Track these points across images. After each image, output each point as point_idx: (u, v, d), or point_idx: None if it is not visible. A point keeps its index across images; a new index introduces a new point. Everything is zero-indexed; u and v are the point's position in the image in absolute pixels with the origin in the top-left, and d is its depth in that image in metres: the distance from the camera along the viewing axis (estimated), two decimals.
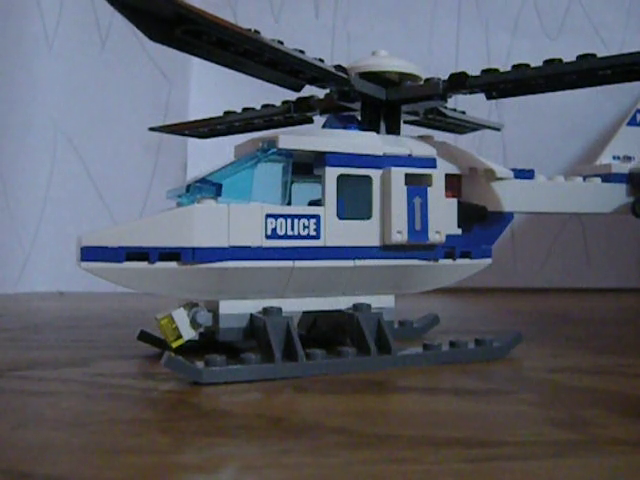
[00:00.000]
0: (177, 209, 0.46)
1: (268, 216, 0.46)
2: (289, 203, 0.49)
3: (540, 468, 0.28)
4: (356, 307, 0.49)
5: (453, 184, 0.53)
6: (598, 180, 0.63)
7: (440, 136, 0.59)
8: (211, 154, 0.73)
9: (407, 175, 0.49)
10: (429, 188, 0.50)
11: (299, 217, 0.47)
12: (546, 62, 0.47)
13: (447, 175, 0.52)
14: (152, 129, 0.71)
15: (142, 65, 1.12)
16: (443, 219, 0.51)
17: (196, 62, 1.04)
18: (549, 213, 0.62)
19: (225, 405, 0.38)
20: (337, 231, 0.48)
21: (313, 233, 0.47)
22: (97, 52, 1.14)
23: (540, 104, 1.09)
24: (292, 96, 0.58)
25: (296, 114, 0.60)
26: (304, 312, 0.52)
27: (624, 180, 0.64)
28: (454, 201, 0.53)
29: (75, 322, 0.74)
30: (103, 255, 0.43)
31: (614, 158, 0.67)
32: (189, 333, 0.47)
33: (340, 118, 0.54)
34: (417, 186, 0.50)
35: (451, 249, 0.53)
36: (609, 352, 0.55)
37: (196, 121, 0.67)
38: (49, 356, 0.52)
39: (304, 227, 0.47)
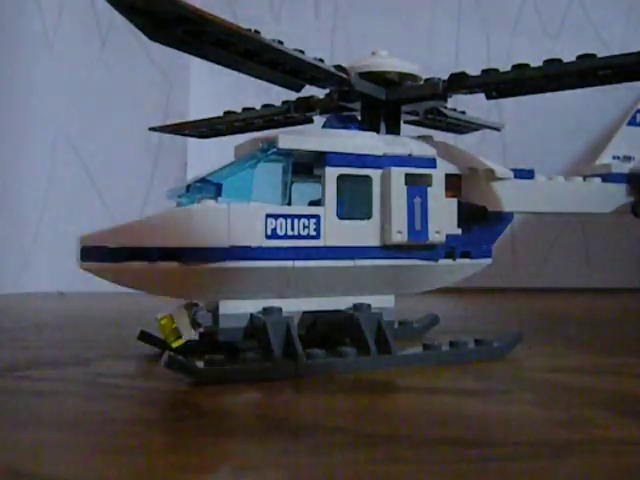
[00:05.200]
0: (177, 209, 0.46)
1: (268, 216, 0.46)
2: (289, 203, 0.49)
3: (540, 468, 0.28)
4: (356, 307, 0.49)
5: (453, 184, 0.53)
6: (598, 180, 0.63)
7: (440, 136, 0.59)
8: (211, 154, 0.73)
9: (407, 175, 0.49)
10: (429, 188, 0.50)
11: (299, 217, 0.47)
12: (546, 62, 0.47)
13: (447, 175, 0.52)
14: (152, 129, 0.71)
15: (142, 65, 1.12)
16: (443, 219, 0.51)
17: (196, 62, 1.04)
18: (549, 213, 0.62)
19: (225, 405, 0.38)
20: (337, 231, 0.48)
21: (313, 233, 0.47)
22: (97, 52, 1.14)
23: (540, 104, 1.09)
24: (292, 96, 0.58)
25: (296, 114, 0.60)
26: (304, 312, 0.52)
27: (624, 180, 0.64)
28: (454, 201, 0.53)
29: (75, 322, 0.74)
30: (103, 255, 0.43)
31: (614, 158, 0.67)
32: (189, 333, 0.47)
33: (340, 118, 0.54)
34: (417, 186, 0.50)
35: (451, 249, 0.53)
36: (609, 352, 0.55)
37: (196, 121, 0.67)
38: (49, 356, 0.52)
39: (304, 227, 0.47)
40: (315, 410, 0.37)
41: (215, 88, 1.08)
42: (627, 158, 0.68)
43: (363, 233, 0.49)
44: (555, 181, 0.60)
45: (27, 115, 1.10)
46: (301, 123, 0.63)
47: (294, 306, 0.48)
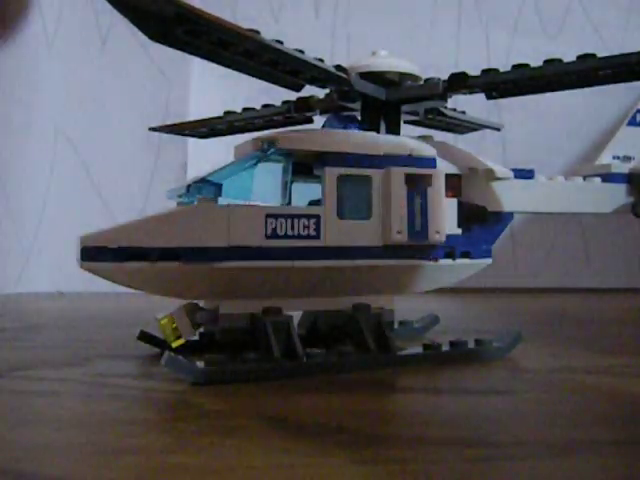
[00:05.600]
0: (177, 209, 0.46)
1: (268, 216, 0.46)
2: (289, 203, 0.49)
3: (540, 468, 0.28)
4: (356, 307, 0.49)
5: (453, 184, 0.53)
6: (598, 180, 0.63)
7: (440, 136, 0.59)
8: (211, 154, 0.73)
9: (407, 175, 0.49)
10: (429, 188, 0.50)
11: (299, 217, 0.47)
12: (546, 62, 0.47)
13: (447, 175, 0.52)
14: (152, 129, 0.71)
15: (142, 65, 1.12)
16: (443, 219, 0.51)
17: (196, 62, 1.04)
18: (549, 213, 0.62)
19: (225, 405, 0.38)
20: (337, 231, 0.48)
21: (313, 233, 0.47)
22: (97, 52, 1.14)
23: (540, 104, 1.09)
24: (292, 96, 0.58)
25: (296, 114, 0.60)
26: (304, 312, 0.52)
27: (624, 180, 0.64)
28: (454, 201, 0.53)
29: (75, 322, 0.74)
30: (103, 255, 0.43)
31: (614, 158, 0.67)
32: (189, 333, 0.47)
33: (340, 118, 0.54)
34: (417, 186, 0.50)
35: (451, 249, 0.53)
36: (609, 352, 0.55)
37: (196, 121, 0.67)
38: (49, 356, 0.52)
39: (304, 227, 0.47)
40: (315, 410, 0.37)
41: (215, 88, 1.08)
42: (627, 158, 0.68)
43: (363, 233, 0.49)
44: (555, 181, 0.60)
45: (27, 115, 1.10)
46: (301, 123, 0.63)
47: (294, 306, 0.48)
